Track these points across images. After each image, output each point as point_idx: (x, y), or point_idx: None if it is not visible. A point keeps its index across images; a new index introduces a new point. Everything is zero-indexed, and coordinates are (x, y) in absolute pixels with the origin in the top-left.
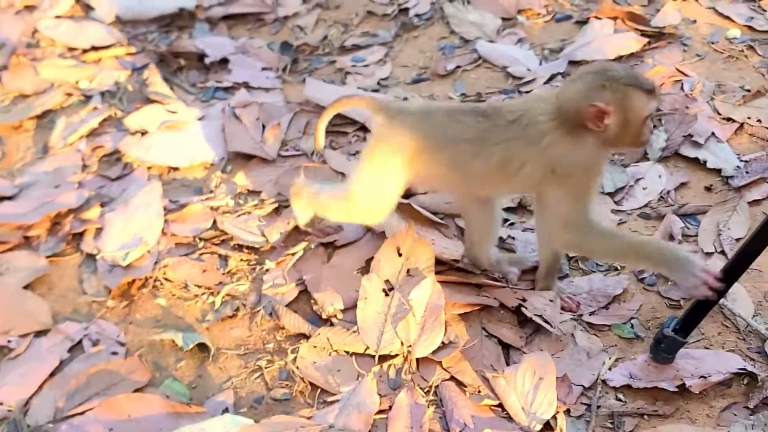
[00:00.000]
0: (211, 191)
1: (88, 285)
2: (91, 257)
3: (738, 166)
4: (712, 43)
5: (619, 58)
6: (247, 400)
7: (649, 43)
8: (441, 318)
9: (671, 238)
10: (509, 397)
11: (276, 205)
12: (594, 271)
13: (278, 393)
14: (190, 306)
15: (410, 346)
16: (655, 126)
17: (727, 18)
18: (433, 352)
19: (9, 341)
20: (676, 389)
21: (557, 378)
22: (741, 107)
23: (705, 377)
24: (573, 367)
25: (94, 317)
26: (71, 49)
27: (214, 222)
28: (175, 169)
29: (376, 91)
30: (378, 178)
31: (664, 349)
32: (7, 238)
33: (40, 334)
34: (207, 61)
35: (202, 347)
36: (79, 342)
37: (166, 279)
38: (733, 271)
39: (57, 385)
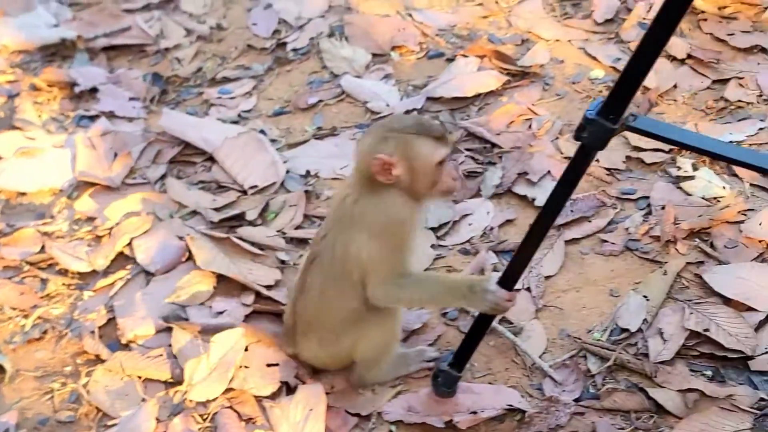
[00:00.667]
0: (52, 216)
1: None
2: None
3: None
4: (574, 83)
5: (477, 96)
6: (32, 421)
7: (509, 81)
8: (229, 373)
9: (482, 272)
10: (281, 426)
11: (107, 232)
12: None
13: (63, 415)
14: (1, 327)
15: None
16: (493, 163)
17: (594, 58)
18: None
19: None
20: (444, 425)
21: (336, 409)
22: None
23: (476, 413)
24: (356, 397)
25: None
26: None
27: (43, 247)
28: (23, 194)
29: (236, 122)
30: None
31: (442, 383)
32: None
33: None
34: (77, 90)
35: (1, 368)
36: None
37: None
38: (507, 281)
39: None
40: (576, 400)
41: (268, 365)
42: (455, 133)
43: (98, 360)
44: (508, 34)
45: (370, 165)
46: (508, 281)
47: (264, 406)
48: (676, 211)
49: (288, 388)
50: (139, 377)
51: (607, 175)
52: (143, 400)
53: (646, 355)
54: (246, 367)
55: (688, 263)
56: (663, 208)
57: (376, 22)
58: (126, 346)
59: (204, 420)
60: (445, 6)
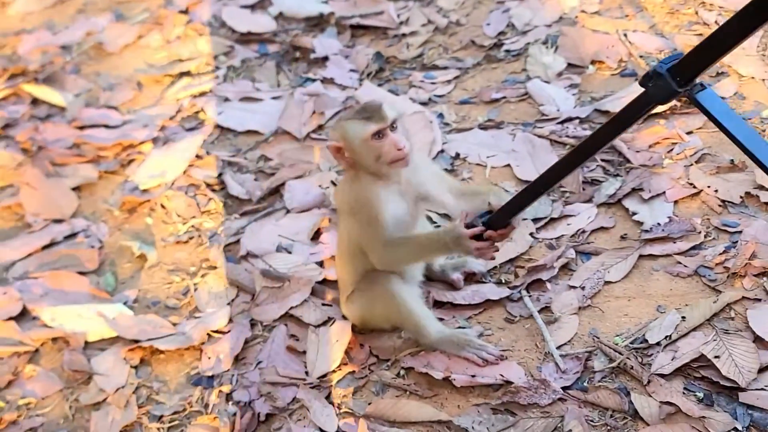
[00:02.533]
0: (245, 156)
1: (113, 197)
2: (128, 179)
3: (658, 224)
4: (744, 119)
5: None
6: (147, 300)
7: (677, 107)
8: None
9: (553, 265)
10: (312, 347)
11: (274, 171)
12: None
13: (171, 302)
14: (163, 228)
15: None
16: (618, 175)
17: None
18: None
19: (34, 221)
20: (442, 379)
21: (363, 346)
22: (710, 176)
23: (474, 376)
24: (384, 343)
25: (99, 219)
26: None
27: (221, 174)
28: (230, 131)
29: (424, 104)
30: None
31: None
32: (86, 154)
33: (57, 221)
34: (312, 56)
35: (146, 257)
36: (77, 233)
37: (162, 206)
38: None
39: (39, 256)
40: (564, 388)
41: (324, 304)
42: (393, 111)
43: (213, 267)
44: None
45: (332, 155)
46: (498, 219)
47: (308, 331)
48: (760, 249)
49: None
50: (237, 287)
51: (719, 206)
52: (228, 304)
53: (651, 366)
54: (306, 301)
55: (744, 298)
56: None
57: (590, 36)
58: (238, 262)
59: (263, 330)
60: (665, 31)
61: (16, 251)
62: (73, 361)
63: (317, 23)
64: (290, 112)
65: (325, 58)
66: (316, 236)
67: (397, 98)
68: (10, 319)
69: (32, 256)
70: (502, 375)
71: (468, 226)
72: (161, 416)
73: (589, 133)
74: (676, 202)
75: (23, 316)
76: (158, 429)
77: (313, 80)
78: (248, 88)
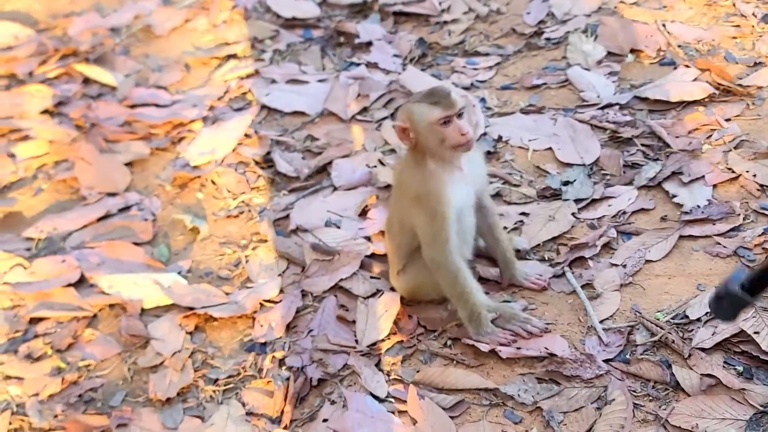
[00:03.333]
0: (289, 131)
1: (165, 173)
2: (179, 156)
3: (698, 206)
4: None
5: (680, 102)
6: (200, 271)
7: (715, 95)
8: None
9: (595, 243)
10: (362, 317)
11: (321, 150)
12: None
13: (223, 273)
14: (214, 203)
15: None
16: (658, 159)
17: None
18: None
19: (89, 194)
20: (489, 351)
21: (412, 317)
22: (749, 161)
23: (519, 348)
24: (433, 315)
25: (151, 194)
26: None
27: (269, 152)
28: (280, 112)
29: (466, 88)
30: None
31: (727, 305)
32: (138, 132)
33: (111, 195)
34: (357, 41)
35: (198, 230)
36: (131, 206)
37: (213, 182)
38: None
39: (95, 227)
40: (607, 360)
41: (372, 277)
42: (464, 97)
43: (264, 241)
44: (746, 55)
45: (396, 133)
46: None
47: (357, 302)
48: None
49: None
50: (287, 260)
51: (758, 190)
52: (279, 275)
53: (692, 340)
54: (355, 274)
55: None
56: None
57: (629, 26)
58: (288, 236)
59: (313, 300)
60: (703, 22)
61: (72, 222)
62: (130, 326)
63: (360, 10)
64: (335, 94)
65: (369, 44)
66: (363, 213)
67: (438, 83)
68: (69, 285)
69: (88, 227)
70: (546, 348)
71: None
72: (216, 379)
73: (629, 119)
74: (715, 185)
75: (81, 283)
76: (214, 391)
77: (357, 64)
78: (294, 71)
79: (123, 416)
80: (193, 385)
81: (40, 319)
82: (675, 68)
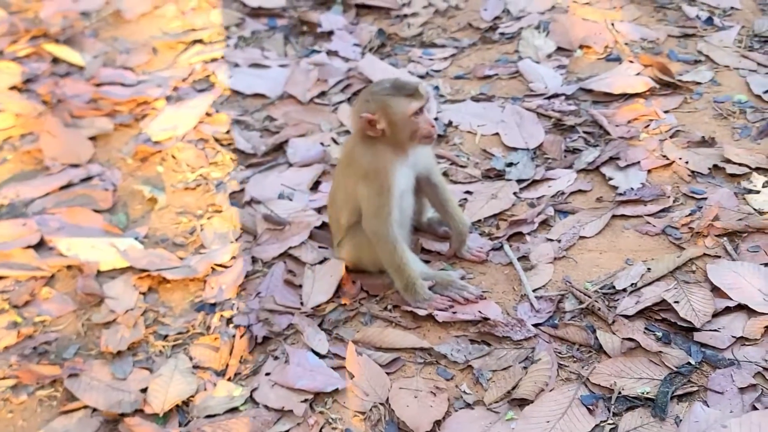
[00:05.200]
0: (249, 112)
1: (127, 147)
2: (142, 132)
3: (632, 188)
4: (717, 102)
5: (622, 95)
6: (156, 238)
7: (656, 89)
8: (291, 244)
9: (533, 220)
10: (308, 281)
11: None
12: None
13: (178, 240)
14: (173, 176)
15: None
16: (597, 146)
17: (749, 86)
18: None
19: (52, 165)
20: (426, 315)
21: (356, 282)
22: (682, 149)
23: (455, 313)
24: (376, 282)
25: (113, 166)
26: None
27: (229, 130)
28: (240, 94)
29: (421, 77)
30: None
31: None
32: (103, 108)
33: (74, 166)
34: (319, 30)
35: (156, 200)
36: (92, 177)
37: (173, 156)
38: None
39: (57, 195)
40: (536, 325)
41: (320, 247)
42: (427, 88)
43: (219, 211)
44: (687, 54)
45: (359, 124)
46: None
47: (305, 267)
48: (722, 213)
49: None
50: (240, 229)
51: (689, 175)
52: (231, 242)
53: (616, 308)
54: (304, 243)
55: (705, 254)
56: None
57: (580, 24)
58: (243, 207)
59: (263, 266)
60: (650, 23)
61: (35, 189)
62: (86, 286)
63: (324, 1)
64: (296, 78)
65: (331, 33)
66: (315, 187)
67: (395, 71)
68: (29, 247)
69: (50, 195)
70: (480, 312)
71: None
72: (166, 335)
73: (573, 108)
74: (649, 171)
75: (41, 246)
76: (163, 346)
77: (318, 52)
78: (257, 56)
79: (75, 367)
80: (144, 341)
81: (1, 278)
82: (620, 63)
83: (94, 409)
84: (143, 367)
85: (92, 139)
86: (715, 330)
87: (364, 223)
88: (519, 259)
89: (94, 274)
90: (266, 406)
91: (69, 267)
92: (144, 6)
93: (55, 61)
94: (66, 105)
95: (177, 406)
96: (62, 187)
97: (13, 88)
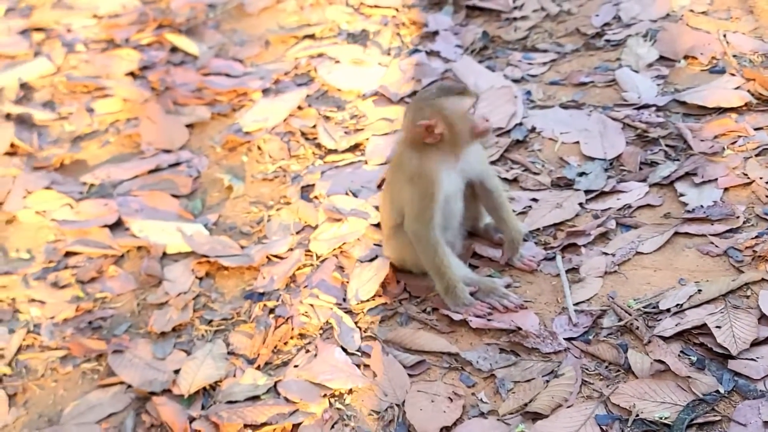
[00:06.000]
0: (340, 107)
1: (219, 136)
2: (236, 122)
3: (701, 206)
4: None
5: (717, 108)
6: (225, 225)
7: (752, 104)
8: (350, 239)
9: (590, 232)
10: (354, 276)
11: (363, 127)
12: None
13: (245, 228)
14: (255, 166)
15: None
16: (677, 160)
17: None
18: None
19: (147, 149)
20: (460, 320)
21: (400, 282)
22: (766, 169)
23: (490, 320)
24: (419, 282)
25: (202, 153)
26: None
27: (315, 125)
28: (338, 90)
29: (516, 81)
30: None
31: None
32: (205, 98)
33: (166, 151)
34: (425, 30)
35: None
36: (181, 163)
37: (259, 148)
38: None
39: (144, 178)
40: (570, 339)
41: (375, 244)
42: (475, 89)
43: (288, 203)
44: None
45: (415, 133)
46: None
47: (354, 264)
48: None
49: None
50: (303, 222)
51: (767, 196)
52: (291, 234)
53: (654, 328)
54: (359, 239)
55: (764, 279)
56: None
57: (689, 33)
58: (310, 201)
59: (317, 260)
60: (766, 35)
61: (125, 172)
62: (149, 267)
63: (438, 2)
64: (391, 76)
65: (436, 33)
66: (382, 185)
67: (490, 74)
68: (105, 226)
69: (138, 178)
70: (514, 321)
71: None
72: (211, 320)
73: (661, 120)
74: (726, 189)
75: (118, 225)
76: (206, 330)
77: (420, 51)
78: (359, 53)
79: (121, 344)
80: (190, 324)
81: (75, 254)
82: (722, 76)
83: (129, 386)
84: (182, 349)
85: (189, 126)
86: (752, 359)
87: (407, 225)
88: (569, 270)
89: (159, 256)
90: (286, 398)
91: (139, 248)
92: (267, 0)
93: (174, 50)
94: (172, 93)
95: (204, 389)
96: (150, 171)
97: (129, 74)
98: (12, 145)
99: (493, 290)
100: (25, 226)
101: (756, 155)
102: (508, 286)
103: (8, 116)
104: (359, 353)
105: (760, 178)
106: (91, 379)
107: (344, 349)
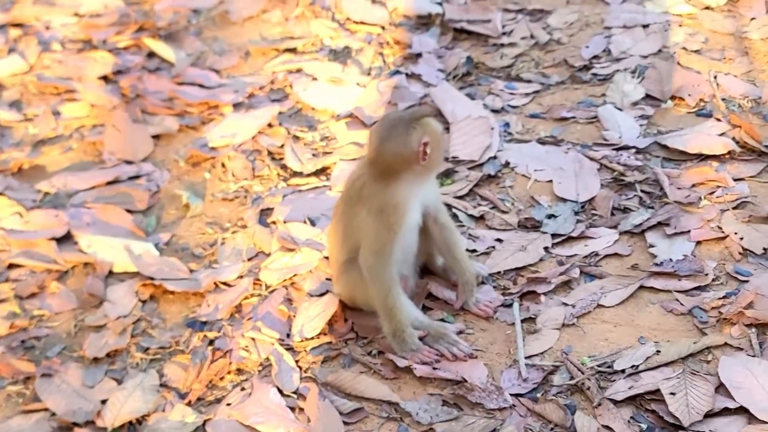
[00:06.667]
0: (312, 127)
1: (184, 150)
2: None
3: (670, 259)
4: None
5: (698, 155)
6: (177, 245)
7: (735, 153)
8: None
9: (551, 280)
10: (301, 312)
11: (331, 151)
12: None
13: (197, 250)
14: (217, 184)
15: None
16: (651, 208)
17: None
18: None
19: (108, 159)
20: (404, 366)
21: (348, 321)
22: (742, 223)
23: (436, 369)
24: (368, 323)
25: (164, 167)
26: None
27: (283, 145)
28: (312, 108)
29: (496, 111)
30: None
31: None
32: (175, 108)
33: (128, 162)
34: (408, 52)
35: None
36: (141, 176)
37: (223, 165)
38: None
39: (101, 189)
40: (518, 395)
41: (328, 278)
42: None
43: (244, 227)
44: None
45: (408, 156)
46: None
47: (305, 298)
48: (759, 301)
49: None
50: (258, 248)
51: (740, 253)
52: (243, 261)
53: (606, 390)
54: (311, 272)
55: (727, 344)
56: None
57: (679, 73)
58: (267, 226)
59: (266, 290)
60: (759, 79)
61: (83, 181)
62: (91, 286)
63: (426, 22)
64: (368, 98)
65: (419, 55)
66: None
67: (469, 102)
68: (53, 239)
69: (95, 189)
70: (459, 372)
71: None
72: (148, 348)
73: (639, 164)
74: (699, 242)
75: (68, 239)
76: (141, 359)
77: (401, 73)
78: (337, 71)
79: (51, 367)
80: (125, 350)
81: (18, 266)
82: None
83: (53, 413)
84: (114, 378)
85: (156, 137)
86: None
87: (362, 259)
88: (526, 320)
89: (105, 274)
90: None
91: (86, 264)
92: (252, 9)
93: (151, 55)
94: (142, 101)
95: (130, 423)
96: (109, 183)
97: (102, 78)
98: None
99: (443, 336)
100: None
101: (733, 208)
102: (460, 333)
103: None
104: (296, 395)
105: (735, 233)
106: (15, 403)
107: (280, 390)
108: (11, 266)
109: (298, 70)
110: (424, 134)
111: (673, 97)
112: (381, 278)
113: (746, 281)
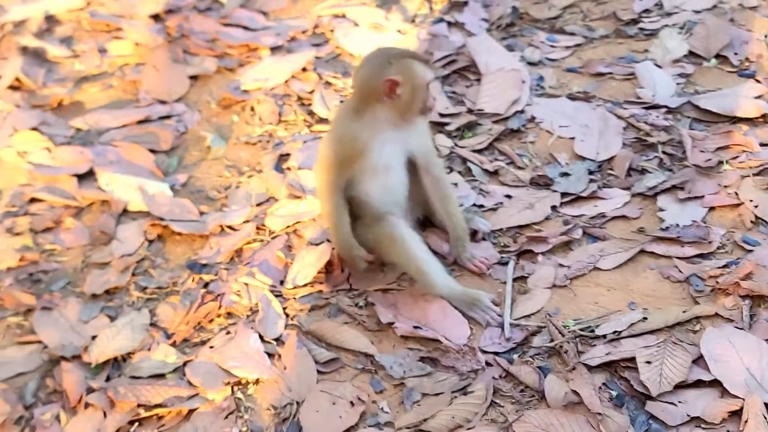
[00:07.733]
0: (346, 74)
1: (219, 91)
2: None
3: (677, 224)
4: None
5: (731, 117)
6: (193, 186)
7: None
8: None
9: (551, 240)
10: (299, 258)
11: None
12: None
13: (212, 194)
14: (244, 127)
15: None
16: (669, 170)
17: None
18: None
19: (143, 98)
20: (387, 323)
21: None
22: (760, 190)
23: (418, 327)
24: (362, 273)
25: (195, 109)
26: None
27: (312, 90)
28: (351, 55)
29: (533, 64)
30: None
31: None
32: (216, 49)
33: (162, 102)
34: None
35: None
36: (170, 116)
37: (252, 108)
38: None
39: (131, 128)
40: (496, 354)
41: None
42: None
43: (260, 171)
44: None
45: (375, 87)
46: None
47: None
48: (758, 272)
49: None
50: (270, 193)
51: (752, 221)
52: (251, 206)
53: (583, 354)
54: (314, 220)
55: (717, 314)
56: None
57: (728, 29)
58: (282, 172)
59: (268, 235)
60: None
61: (115, 120)
62: (103, 223)
63: None
64: (406, 46)
65: (466, 3)
66: None
67: (505, 54)
68: (75, 175)
69: (126, 128)
70: (438, 330)
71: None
72: (146, 287)
73: (668, 124)
74: (712, 209)
75: (90, 176)
76: (138, 298)
77: (444, 22)
78: (380, 18)
79: (51, 301)
80: (124, 288)
81: (39, 201)
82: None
83: (45, 346)
84: (108, 315)
85: (193, 78)
86: (672, 403)
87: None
88: (518, 279)
89: (118, 212)
90: (189, 381)
91: (103, 202)
92: None
93: None
94: (185, 41)
95: (116, 359)
96: (140, 122)
97: (154, 16)
98: (17, 80)
99: (475, 302)
100: (4, 166)
101: (755, 174)
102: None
103: (25, 49)
104: (276, 342)
105: (750, 200)
106: (13, 334)
107: (261, 337)
108: (32, 200)
109: (343, 15)
110: (398, 73)
111: (717, 56)
112: (325, 200)
113: (751, 251)
